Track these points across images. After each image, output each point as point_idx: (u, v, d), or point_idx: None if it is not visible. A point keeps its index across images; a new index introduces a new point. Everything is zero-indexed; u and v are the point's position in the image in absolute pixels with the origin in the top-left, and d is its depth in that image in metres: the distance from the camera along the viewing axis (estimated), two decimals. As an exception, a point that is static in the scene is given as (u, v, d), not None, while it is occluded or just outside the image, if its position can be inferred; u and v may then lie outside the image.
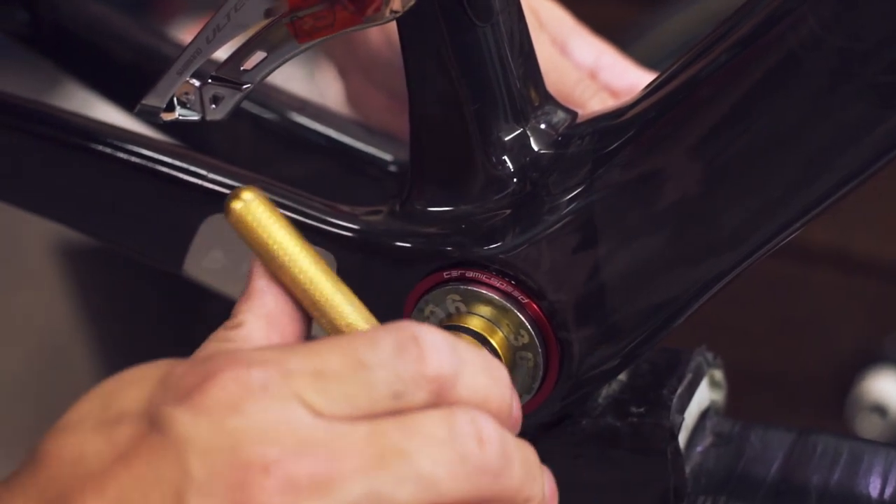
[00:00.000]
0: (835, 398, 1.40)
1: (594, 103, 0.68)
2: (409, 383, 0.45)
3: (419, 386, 0.45)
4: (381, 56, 0.73)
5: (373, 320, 0.50)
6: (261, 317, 0.50)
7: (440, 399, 0.45)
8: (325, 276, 0.50)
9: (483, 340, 0.56)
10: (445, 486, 0.44)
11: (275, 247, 0.50)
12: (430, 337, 0.46)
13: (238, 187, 0.50)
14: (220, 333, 0.50)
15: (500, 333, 0.57)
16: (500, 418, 0.46)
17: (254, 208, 0.49)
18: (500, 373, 0.47)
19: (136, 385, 0.46)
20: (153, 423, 0.44)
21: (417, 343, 0.45)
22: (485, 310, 0.57)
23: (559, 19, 0.73)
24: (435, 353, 0.46)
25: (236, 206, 0.49)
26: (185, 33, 1.37)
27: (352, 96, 0.78)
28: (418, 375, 0.45)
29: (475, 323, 0.57)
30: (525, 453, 0.46)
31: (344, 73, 0.78)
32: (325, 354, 0.45)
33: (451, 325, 0.57)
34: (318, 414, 0.44)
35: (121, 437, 0.44)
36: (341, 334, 0.50)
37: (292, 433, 0.43)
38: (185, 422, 0.43)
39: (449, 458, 0.44)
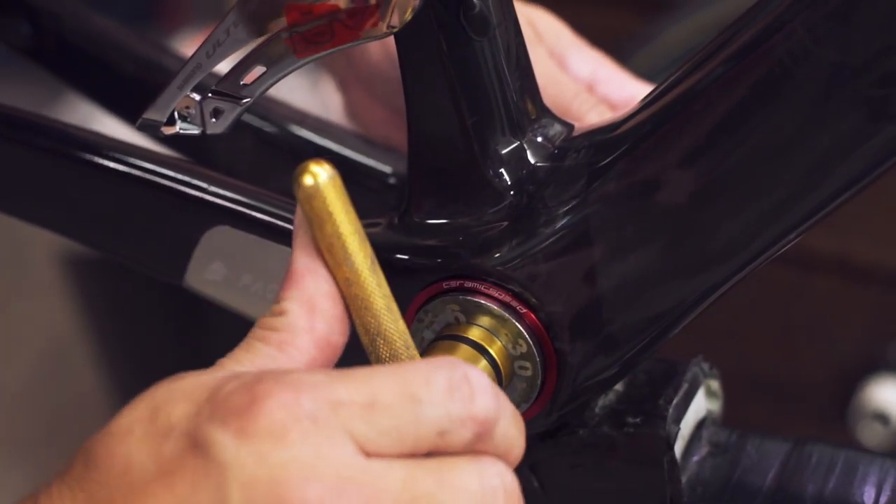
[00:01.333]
0: (836, 406, 1.41)
1: (592, 116, 0.68)
2: (456, 423, 0.46)
3: (465, 426, 0.46)
4: (380, 70, 0.74)
5: (404, 329, 0.50)
6: (304, 303, 0.49)
7: (479, 441, 0.46)
8: (376, 281, 0.50)
9: (482, 350, 0.57)
10: None
11: (336, 240, 0.49)
12: (480, 379, 0.47)
13: (314, 160, 0.48)
14: (266, 321, 0.50)
15: (499, 343, 0.57)
16: (514, 467, 0.48)
17: (326, 191, 0.48)
18: (523, 424, 0.49)
19: (185, 398, 0.46)
20: (198, 443, 0.44)
21: (469, 383, 0.46)
22: (484, 320, 0.57)
23: (557, 32, 0.73)
24: (483, 395, 0.46)
25: (307, 181, 0.48)
26: (188, 46, 1.38)
27: (352, 110, 0.79)
28: (466, 416, 0.46)
29: (475, 333, 0.57)
30: None
31: (344, 87, 0.79)
32: (378, 385, 0.46)
33: (451, 334, 0.57)
34: (362, 450, 0.44)
35: (166, 453, 0.44)
36: (371, 337, 0.50)
37: (334, 471, 0.44)
38: (230, 447, 0.44)
39: None
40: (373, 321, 0.50)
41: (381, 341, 0.50)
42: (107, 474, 0.45)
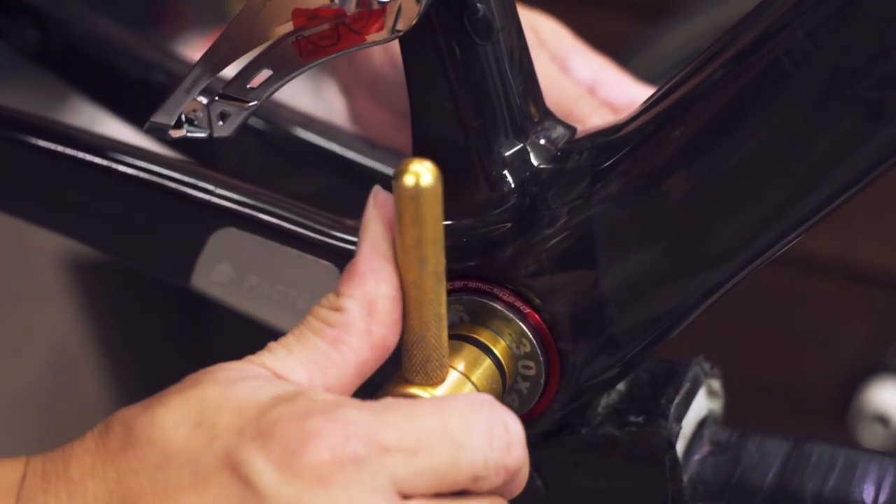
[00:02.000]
0: (837, 408, 1.41)
1: (594, 119, 0.69)
2: (491, 470, 0.47)
3: (498, 474, 0.47)
4: (384, 75, 0.74)
5: (446, 341, 0.51)
6: (364, 304, 0.49)
7: (504, 487, 0.48)
8: (441, 289, 0.50)
9: (487, 350, 0.57)
10: None
11: (420, 244, 0.48)
12: (516, 428, 0.48)
13: (418, 159, 0.47)
14: (322, 314, 0.50)
15: (503, 343, 0.58)
16: None
17: (427, 194, 0.47)
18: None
19: (234, 410, 0.46)
20: (238, 463, 0.44)
21: (508, 433, 0.47)
22: (488, 320, 0.58)
23: (559, 36, 0.74)
24: (518, 445, 0.48)
25: (408, 181, 0.47)
26: (192, 49, 1.38)
27: (355, 114, 0.79)
28: (501, 465, 0.47)
29: (480, 333, 0.58)
30: None
31: (348, 92, 0.79)
32: (422, 429, 0.46)
33: (457, 334, 0.58)
34: (399, 492, 0.45)
35: (204, 464, 0.45)
36: (414, 338, 0.50)
37: None
38: (270, 479, 0.44)
39: None
40: (422, 326, 0.51)
41: (421, 346, 0.51)
42: (142, 464, 0.45)
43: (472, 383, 0.55)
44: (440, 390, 0.53)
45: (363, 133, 0.78)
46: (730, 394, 0.64)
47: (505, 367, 0.57)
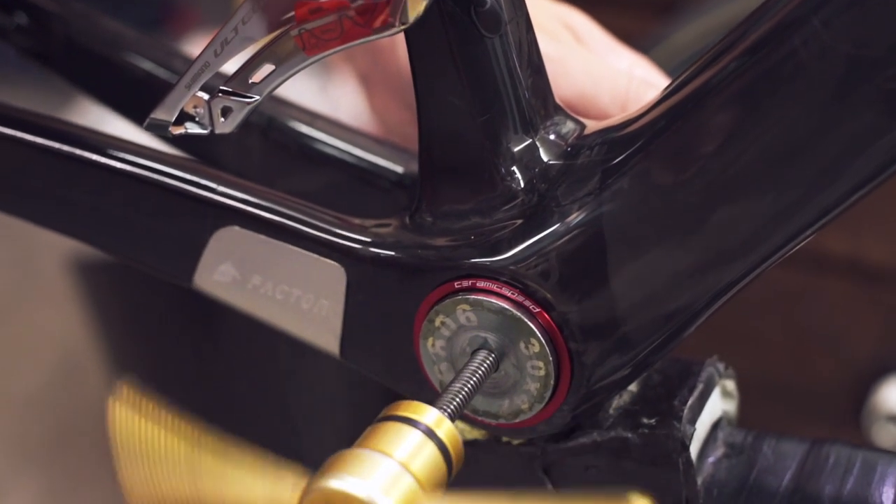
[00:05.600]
0: (850, 409, 1.40)
1: (650, 95, 0.67)
2: None
3: None
4: (409, 69, 0.73)
5: None
6: None
7: None
8: None
9: (431, 435, 0.54)
10: None
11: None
12: None
13: None
14: None
15: (448, 425, 0.52)
16: None
17: None
18: None
19: None
20: None
21: None
22: (493, 322, 0.57)
23: (594, 34, 0.73)
24: None
25: None
26: (197, 48, 1.38)
27: (373, 107, 0.78)
28: None
29: (415, 411, 0.53)
30: None
31: (367, 84, 0.78)
32: None
33: (396, 416, 0.54)
34: None
35: None
36: None
37: None
38: None
39: None
40: None
41: None
42: None
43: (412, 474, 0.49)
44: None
45: (380, 127, 0.78)
46: (740, 396, 0.63)
47: (451, 452, 0.51)
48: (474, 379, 0.56)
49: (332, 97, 1.51)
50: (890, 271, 1.36)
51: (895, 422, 1.36)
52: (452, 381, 0.56)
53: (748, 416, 0.64)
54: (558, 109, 0.59)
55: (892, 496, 0.58)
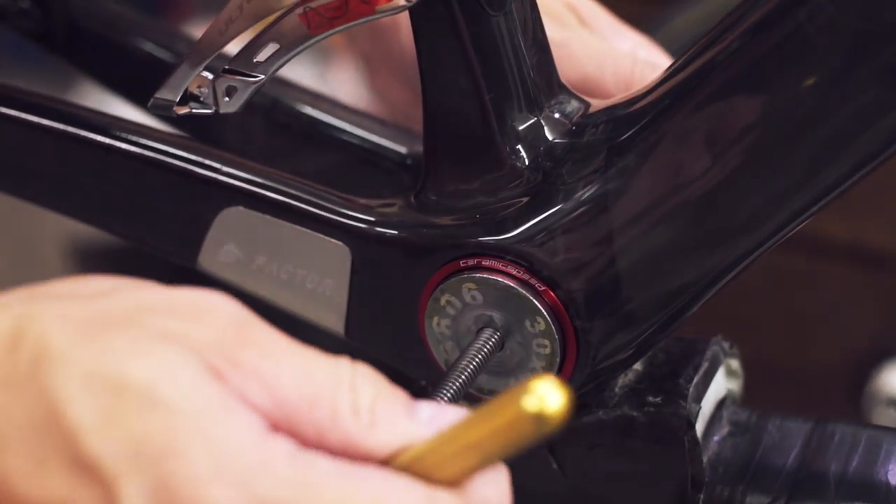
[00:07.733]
0: (850, 393, 1.40)
1: (654, 75, 0.67)
2: None
3: None
4: (412, 49, 0.73)
5: None
6: None
7: None
8: None
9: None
10: None
11: (490, 453, 0.41)
12: None
13: (552, 380, 0.39)
14: None
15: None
16: None
17: (543, 422, 0.39)
18: None
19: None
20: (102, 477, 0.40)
21: None
22: (499, 299, 0.57)
23: (598, 16, 0.73)
24: None
25: (552, 412, 0.38)
26: (199, 32, 1.37)
27: (375, 87, 0.78)
28: None
29: None
30: None
31: (369, 64, 0.78)
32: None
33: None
34: None
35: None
36: None
37: None
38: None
39: None
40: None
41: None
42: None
43: None
44: None
45: (382, 107, 0.77)
46: (743, 373, 0.63)
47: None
48: (479, 357, 0.56)
49: (331, 85, 1.50)
50: (890, 256, 1.36)
51: (895, 406, 1.36)
52: (457, 360, 0.56)
53: (748, 400, 0.64)
54: (563, 88, 0.59)
55: (897, 473, 0.58)
